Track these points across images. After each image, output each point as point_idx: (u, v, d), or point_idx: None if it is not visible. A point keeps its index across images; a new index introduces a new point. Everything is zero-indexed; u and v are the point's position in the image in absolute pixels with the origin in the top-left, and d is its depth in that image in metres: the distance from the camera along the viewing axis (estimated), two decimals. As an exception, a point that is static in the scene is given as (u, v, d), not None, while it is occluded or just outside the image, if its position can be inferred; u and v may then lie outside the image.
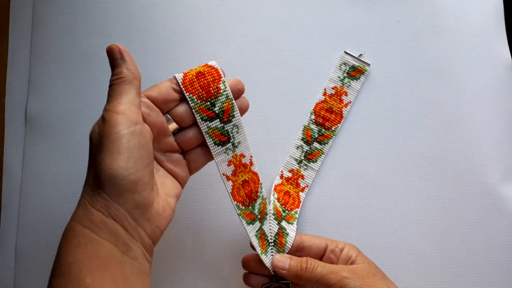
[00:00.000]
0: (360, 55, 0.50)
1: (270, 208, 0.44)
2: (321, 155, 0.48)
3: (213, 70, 0.39)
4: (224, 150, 0.40)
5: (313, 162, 0.48)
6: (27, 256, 0.47)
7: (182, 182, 0.38)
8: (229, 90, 0.39)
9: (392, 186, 0.48)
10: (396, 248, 0.47)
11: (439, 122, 0.49)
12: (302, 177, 0.48)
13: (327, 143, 0.49)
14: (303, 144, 0.49)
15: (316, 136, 0.49)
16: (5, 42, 0.50)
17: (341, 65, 0.50)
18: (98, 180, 0.31)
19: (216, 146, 0.39)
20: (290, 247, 0.42)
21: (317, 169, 0.48)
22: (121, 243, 0.31)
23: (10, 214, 0.47)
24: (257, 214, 0.42)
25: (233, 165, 0.41)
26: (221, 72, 0.39)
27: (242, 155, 0.41)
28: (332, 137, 0.49)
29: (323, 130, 0.49)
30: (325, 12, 0.51)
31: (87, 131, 0.49)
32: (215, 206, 0.48)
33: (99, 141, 0.32)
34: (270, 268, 0.41)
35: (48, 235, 0.47)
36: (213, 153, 0.39)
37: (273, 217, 0.43)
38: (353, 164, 0.48)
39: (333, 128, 0.49)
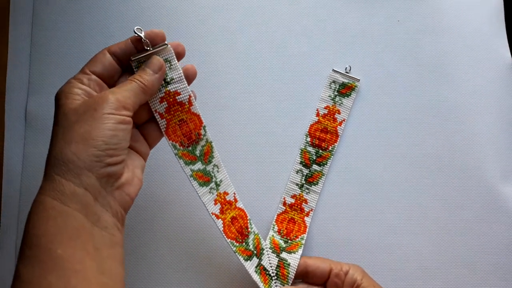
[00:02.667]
0: (347, 70, 0.50)
1: (266, 243, 0.44)
2: (321, 177, 0.48)
3: (195, 117, 0.40)
4: (209, 190, 0.42)
5: (315, 184, 0.48)
6: (27, 256, 0.47)
7: (144, 156, 0.38)
8: (209, 134, 0.41)
9: (394, 192, 0.48)
10: (396, 248, 0.47)
11: (439, 122, 0.49)
12: (306, 201, 0.48)
13: (326, 164, 0.48)
14: (302, 167, 0.48)
15: (314, 158, 0.48)
16: (5, 42, 0.50)
17: (330, 83, 0.50)
18: (77, 149, 0.31)
19: (201, 187, 0.41)
20: (292, 277, 0.42)
21: (319, 191, 0.48)
22: (90, 213, 0.31)
23: (10, 214, 0.47)
24: (252, 250, 0.43)
25: (219, 204, 0.42)
26: (203, 120, 0.41)
27: (226, 193, 0.43)
28: (330, 157, 0.48)
29: (320, 151, 0.49)
30: (323, 16, 0.51)
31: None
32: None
33: (87, 112, 0.32)
34: None
35: (48, 235, 0.47)
36: (199, 194, 0.41)
37: (271, 250, 0.44)
38: (355, 179, 0.48)
39: (330, 148, 0.49)
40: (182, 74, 0.39)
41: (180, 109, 0.40)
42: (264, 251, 0.44)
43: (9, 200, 0.48)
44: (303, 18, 0.51)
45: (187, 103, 0.40)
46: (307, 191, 0.48)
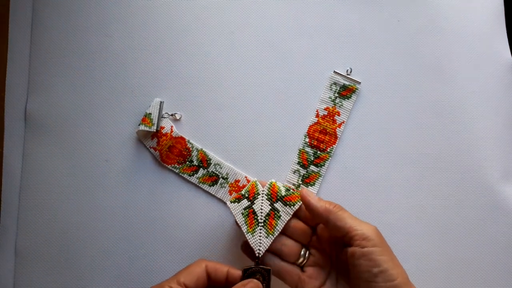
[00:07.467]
0: (349, 72, 0.50)
1: (264, 189, 0.43)
2: (318, 178, 0.48)
3: (179, 139, 0.48)
4: (220, 186, 0.48)
5: (311, 185, 0.48)
6: (27, 256, 0.47)
7: None
8: (196, 144, 0.48)
9: (393, 194, 0.48)
10: (395, 248, 0.47)
11: (439, 122, 0.49)
12: None
13: (323, 165, 0.48)
14: (300, 168, 0.49)
15: (312, 159, 0.49)
16: (5, 42, 0.50)
17: (331, 85, 0.50)
18: None
19: (211, 187, 0.48)
20: (279, 230, 0.41)
21: (315, 192, 0.48)
22: None
23: (10, 214, 0.48)
24: (244, 194, 0.43)
25: (234, 193, 0.47)
26: (185, 137, 0.48)
27: (237, 181, 0.48)
28: (328, 158, 0.49)
29: (318, 152, 0.49)
30: (323, 16, 0.51)
31: (87, 131, 0.49)
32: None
33: None
34: (256, 250, 0.40)
35: (48, 235, 0.47)
36: (212, 193, 0.48)
37: (266, 197, 0.43)
38: (353, 180, 0.49)
39: (328, 150, 0.49)
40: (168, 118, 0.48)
41: (165, 138, 0.48)
42: (258, 196, 0.43)
43: (9, 200, 0.48)
44: (303, 18, 0.51)
45: (169, 132, 0.48)
46: None
